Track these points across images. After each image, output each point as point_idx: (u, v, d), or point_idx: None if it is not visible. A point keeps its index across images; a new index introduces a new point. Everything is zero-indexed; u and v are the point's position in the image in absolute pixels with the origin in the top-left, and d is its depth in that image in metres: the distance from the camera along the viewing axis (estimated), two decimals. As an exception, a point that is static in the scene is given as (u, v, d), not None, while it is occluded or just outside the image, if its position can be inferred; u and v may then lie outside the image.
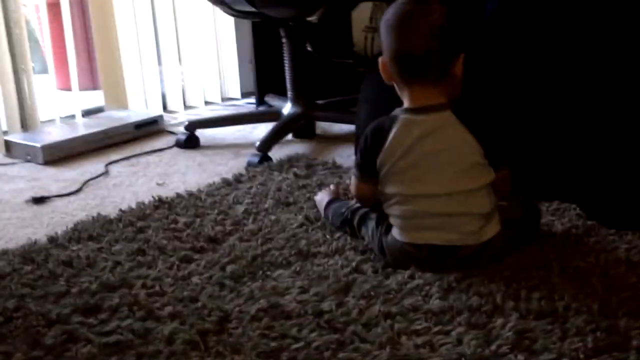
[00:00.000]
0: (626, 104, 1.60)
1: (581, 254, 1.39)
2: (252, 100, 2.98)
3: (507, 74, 1.81)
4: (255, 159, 2.13)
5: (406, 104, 1.42)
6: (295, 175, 1.96)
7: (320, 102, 2.51)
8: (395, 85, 1.45)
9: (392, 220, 1.43)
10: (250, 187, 1.89)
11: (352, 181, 1.53)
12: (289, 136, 2.44)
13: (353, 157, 2.04)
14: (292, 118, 2.41)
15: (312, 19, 2.31)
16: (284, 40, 2.44)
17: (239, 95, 3.14)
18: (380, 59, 1.44)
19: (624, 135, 1.58)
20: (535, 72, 1.76)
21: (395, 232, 1.41)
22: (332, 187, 1.76)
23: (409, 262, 1.38)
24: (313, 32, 2.53)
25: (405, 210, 1.40)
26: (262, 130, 2.44)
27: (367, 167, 1.45)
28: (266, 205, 1.76)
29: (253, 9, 2.23)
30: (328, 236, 1.56)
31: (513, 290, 1.27)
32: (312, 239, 1.55)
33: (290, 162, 2.09)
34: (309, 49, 2.53)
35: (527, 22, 2.02)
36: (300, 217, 1.66)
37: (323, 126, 2.56)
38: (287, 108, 2.43)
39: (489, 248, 1.37)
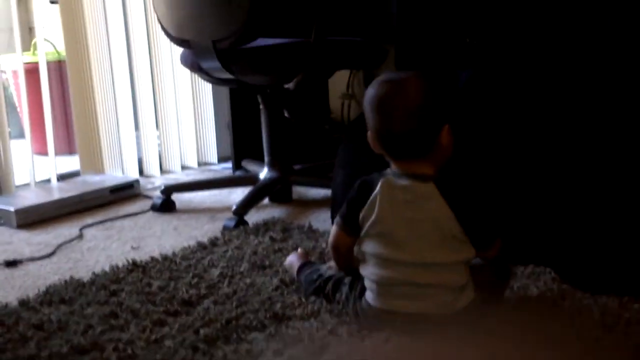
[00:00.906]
0: (598, 171, 1.62)
1: (556, 317, 1.39)
2: (229, 165, 2.99)
3: (483, 142, 1.84)
4: (232, 223, 2.13)
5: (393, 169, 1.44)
6: (272, 239, 1.96)
7: (297, 167, 2.53)
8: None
9: (367, 283, 1.42)
10: (226, 251, 1.89)
11: (332, 230, 1.51)
12: (266, 200, 2.44)
13: (329, 222, 2.05)
14: (269, 182, 2.42)
15: (289, 86, 2.35)
16: (261, 106, 2.46)
17: (216, 160, 3.15)
18: (368, 133, 1.45)
19: (596, 200, 1.60)
20: (509, 138, 1.79)
21: (369, 297, 1.41)
22: (299, 250, 1.76)
23: (384, 326, 1.38)
24: (290, 98, 2.56)
25: (381, 276, 1.39)
26: (238, 194, 2.44)
27: (350, 218, 1.45)
28: (242, 269, 1.75)
29: (231, 76, 2.26)
30: (304, 299, 1.55)
31: (488, 355, 1.27)
32: (288, 302, 1.54)
33: (266, 225, 2.09)
34: (286, 115, 2.56)
35: (502, 91, 2.07)
36: (275, 280, 1.66)
37: (299, 191, 2.57)
38: (263, 173, 2.44)
39: (464, 314, 1.37)
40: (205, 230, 2.18)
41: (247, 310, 1.51)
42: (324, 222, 2.13)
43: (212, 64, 2.23)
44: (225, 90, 2.92)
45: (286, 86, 2.38)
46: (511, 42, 2.59)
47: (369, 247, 1.42)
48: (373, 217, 1.40)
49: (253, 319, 1.47)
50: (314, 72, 2.31)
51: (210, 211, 2.40)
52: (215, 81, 2.42)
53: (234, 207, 2.19)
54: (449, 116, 1.42)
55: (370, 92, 1.44)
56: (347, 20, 2.84)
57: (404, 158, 1.41)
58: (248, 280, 1.67)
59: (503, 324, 1.38)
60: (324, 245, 1.87)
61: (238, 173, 2.85)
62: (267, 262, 1.78)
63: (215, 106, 3.13)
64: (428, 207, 1.37)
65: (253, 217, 2.20)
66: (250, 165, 2.69)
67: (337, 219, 1.49)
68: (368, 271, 1.42)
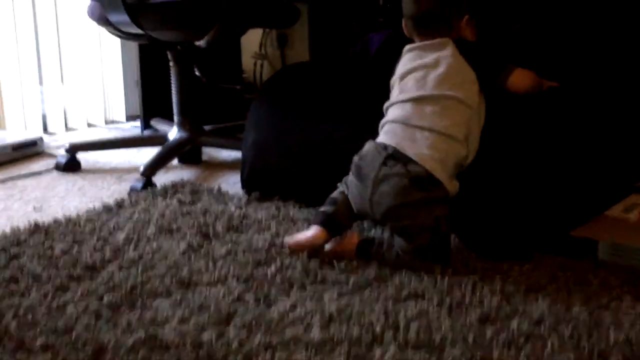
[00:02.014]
0: (498, 140, 1.65)
1: (458, 284, 1.42)
2: (138, 123, 2.93)
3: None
4: (139, 185, 2.09)
5: None
6: (180, 201, 1.93)
7: (207, 127, 2.49)
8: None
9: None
10: (133, 213, 1.85)
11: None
12: (175, 161, 2.40)
13: (239, 185, 2.04)
14: (178, 143, 2.38)
15: (201, 43, 2.30)
16: (171, 63, 2.41)
17: (123, 119, 3.08)
18: (403, 20, 1.69)
19: (498, 168, 1.63)
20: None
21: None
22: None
23: None
24: (201, 56, 2.52)
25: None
26: (147, 154, 2.39)
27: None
28: (148, 233, 1.72)
29: (140, 31, 2.20)
30: (211, 264, 1.54)
31: (392, 320, 1.29)
32: (195, 268, 1.52)
33: (174, 188, 2.05)
34: (197, 73, 2.52)
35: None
36: (183, 245, 1.63)
37: (210, 152, 2.54)
38: (173, 133, 2.40)
39: None
40: (112, 191, 2.14)
41: (152, 275, 1.49)
42: (234, 185, 2.11)
43: (121, 18, 2.17)
44: (134, 46, 2.85)
45: (197, 43, 2.33)
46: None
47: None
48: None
49: (159, 284, 1.45)
50: (226, 30, 2.27)
51: (117, 171, 2.35)
52: (124, 36, 2.36)
53: (141, 168, 2.14)
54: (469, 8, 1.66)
55: None
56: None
57: (427, 35, 1.65)
58: (154, 245, 1.65)
59: (407, 289, 1.40)
60: (232, 209, 1.86)
61: (147, 132, 2.79)
62: (174, 226, 1.75)
63: (123, 62, 3.05)
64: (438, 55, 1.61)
65: (161, 179, 2.16)
66: (159, 125, 2.64)
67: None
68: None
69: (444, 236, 1.53)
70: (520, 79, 1.62)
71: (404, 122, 1.58)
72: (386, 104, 1.67)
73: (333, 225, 1.59)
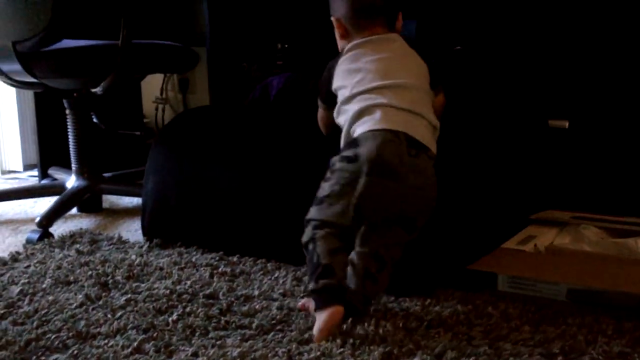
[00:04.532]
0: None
1: (361, 322, 1.42)
2: (35, 173, 2.85)
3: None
4: (35, 236, 2.02)
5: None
6: (78, 251, 1.88)
7: (107, 174, 2.44)
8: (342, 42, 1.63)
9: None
10: (28, 266, 1.79)
11: (318, 114, 1.71)
12: (74, 210, 2.34)
13: (140, 232, 2.00)
14: (77, 191, 2.32)
15: (97, 90, 2.26)
16: (67, 111, 2.36)
17: (21, 168, 2.99)
18: (334, 19, 1.63)
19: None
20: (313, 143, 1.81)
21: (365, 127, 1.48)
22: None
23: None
24: (99, 103, 2.47)
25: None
26: (44, 204, 2.32)
27: (327, 96, 1.63)
28: (44, 285, 1.66)
29: (34, 80, 2.15)
30: (110, 315, 1.49)
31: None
32: (92, 319, 1.47)
33: (73, 238, 2.00)
34: (94, 120, 2.47)
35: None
36: (80, 297, 1.58)
37: (111, 199, 2.48)
38: (71, 181, 2.34)
39: None
40: (7, 244, 2.06)
41: (48, 330, 1.43)
42: (135, 232, 2.07)
43: (13, 67, 2.12)
44: (30, 94, 2.78)
45: (94, 90, 2.29)
46: (323, 47, 2.64)
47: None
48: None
49: (55, 339, 1.39)
50: (123, 76, 2.24)
51: (13, 223, 2.27)
52: (17, 84, 2.30)
53: (37, 219, 2.08)
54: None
55: None
56: (157, 24, 2.79)
57: (373, 26, 1.59)
58: (50, 298, 1.59)
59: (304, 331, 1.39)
60: (133, 257, 1.82)
61: (44, 182, 2.71)
62: (71, 277, 1.70)
63: (19, 110, 2.97)
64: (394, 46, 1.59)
65: (60, 229, 2.10)
66: (57, 173, 2.57)
67: (319, 102, 1.68)
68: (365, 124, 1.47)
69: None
70: (441, 102, 1.63)
71: (397, 107, 1.47)
72: (346, 95, 1.53)
73: (342, 294, 1.39)
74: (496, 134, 1.99)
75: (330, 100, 1.62)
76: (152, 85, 3.16)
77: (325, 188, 1.47)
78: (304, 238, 1.46)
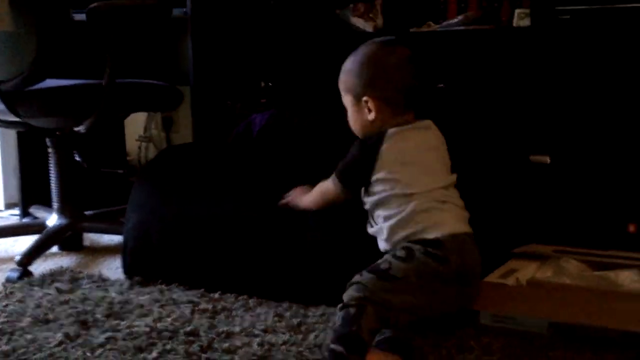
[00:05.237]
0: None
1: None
2: (17, 211, 2.83)
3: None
4: (15, 274, 2.00)
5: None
6: (58, 290, 1.86)
7: (89, 212, 2.43)
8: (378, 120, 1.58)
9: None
10: (7, 305, 1.76)
11: (330, 190, 1.64)
12: (55, 249, 2.33)
13: (120, 270, 1.98)
14: (57, 230, 2.30)
15: (80, 129, 2.26)
16: (50, 150, 2.35)
17: (2, 207, 2.98)
18: (368, 100, 1.58)
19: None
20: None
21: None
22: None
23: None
24: (82, 141, 2.47)
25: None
26: (25, 243, 2.30)
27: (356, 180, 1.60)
28: (23, 324, 1.64)
29: (17, 119, 2.15)
30: (89, 354, 1.47)
31: None
32: (71, 358, 1.46)
33: (53, 276, 1.98)
34: (77, 158, 2.46)
35: (298, 132, 2.11)
36: (59, 335, 1.56)
37: (92, 237, 2.47)
38: (52, 219, 2.33)
39: None
40: (-14, 283, 2.04)
41: (26, 369, 1.42)
42: (116, 270, 2.06)
43: (-4, 106, 2.11)
44: (12, 132, 2.78)
45: (77, 129, 2.29)
46: (306, 84, 2.66)
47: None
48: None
49: (32, 378, 1.38)
50: (106, 115, 2.24)
51: (-7, 262, 2.25)
52: (0, 124, 2.29)
53: (17, 257, 2.06)
54: None
55: (384, 52, 1.59)
56: (141, 62, 2.80)
57: (410, 113, 1.59)
58: (29, 336, 1.57)
59: None
60: (113, 294, 1.80)
61: (25, 220, 2.69)
62: (51, 316, 1.68)
63: (2, 149, 2.96)
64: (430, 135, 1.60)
65: (40, 267, 2.08)
66: (38, 212, 2.56)
67: (337, 181, 1.61)
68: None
69: None
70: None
71: (460, 206, 1.58)
72: (406, 191, 1.52)
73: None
74: (478, 169, 2.00)
75: (360, 186, 1.59)
76: (136, 123, 3.16)
77: (398, 269, 1.45)
78: (348, 299, 1.42)
